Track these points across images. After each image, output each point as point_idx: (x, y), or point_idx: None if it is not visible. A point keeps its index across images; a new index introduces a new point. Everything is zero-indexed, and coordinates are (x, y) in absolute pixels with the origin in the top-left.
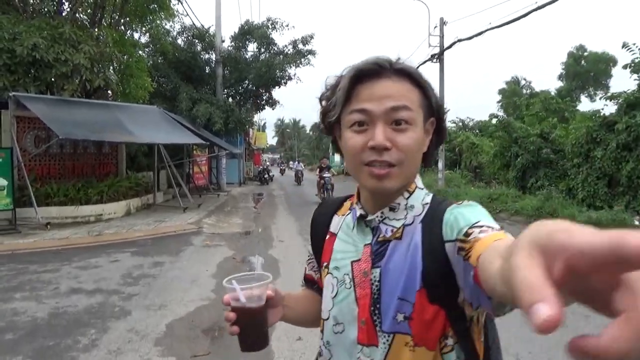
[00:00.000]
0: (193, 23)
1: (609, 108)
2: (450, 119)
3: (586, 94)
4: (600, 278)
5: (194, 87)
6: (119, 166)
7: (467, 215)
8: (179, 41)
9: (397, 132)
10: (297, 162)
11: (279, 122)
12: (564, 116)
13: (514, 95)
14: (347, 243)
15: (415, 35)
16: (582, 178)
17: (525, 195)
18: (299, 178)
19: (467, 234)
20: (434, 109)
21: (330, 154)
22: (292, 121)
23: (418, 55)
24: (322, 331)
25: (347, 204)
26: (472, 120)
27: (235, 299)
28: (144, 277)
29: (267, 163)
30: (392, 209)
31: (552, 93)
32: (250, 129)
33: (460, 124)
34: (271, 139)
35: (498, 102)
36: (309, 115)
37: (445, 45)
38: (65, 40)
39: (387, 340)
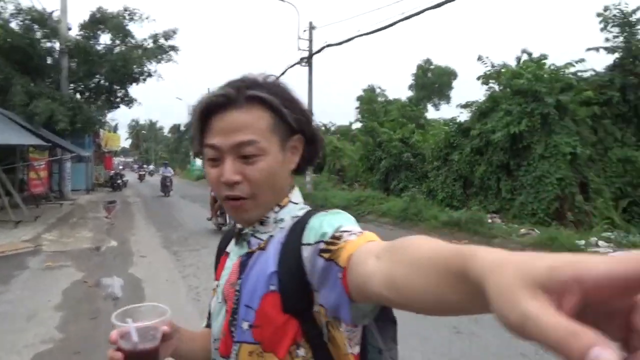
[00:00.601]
0: (33, 5)
1: (463, 115)
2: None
3: (432, 103)
4: (613, 303)
5: (32, 79)
6: None
7: (334, 221)
8: (13, 24)
9: (247, 165)
10: (164, 167)
11: (134, 123)
12: (418, 123)
13: (371, 102)
14: (232, 260)
15: (287, 37)
16: (441, 180)
17: (390, 197)
18: (166, 187)
19: (335, 237)
20: (294, 126)
21: (192, 157)
22: (149, 122)
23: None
24: None
25: None
26: (334, 124)
27: (125, 337)
28: None
29: (120, 167)
30: (262, 223)
31: (404, 101)
32: (101, 130)
33: (323, 128)
34: (124, 140)
35: (356, 108)
36: (168, 115)
37: (315, 50)
38: None
39: (235, 350)
